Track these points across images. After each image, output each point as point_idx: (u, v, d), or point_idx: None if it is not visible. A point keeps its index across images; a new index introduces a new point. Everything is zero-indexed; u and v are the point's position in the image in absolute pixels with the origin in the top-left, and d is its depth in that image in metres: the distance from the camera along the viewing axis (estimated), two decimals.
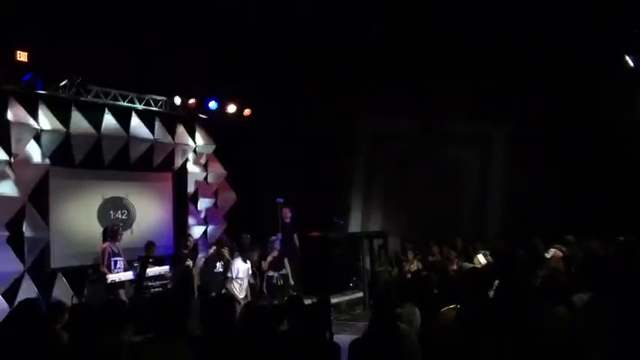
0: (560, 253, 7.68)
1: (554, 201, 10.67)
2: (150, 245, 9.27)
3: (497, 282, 5.31)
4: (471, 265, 7.98)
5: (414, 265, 10.48)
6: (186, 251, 9.39)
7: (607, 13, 9.46)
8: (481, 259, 8.75)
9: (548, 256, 7.74)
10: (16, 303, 6.73)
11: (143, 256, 9.01)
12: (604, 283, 3.49)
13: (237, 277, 8.91)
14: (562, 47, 10.41)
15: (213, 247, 9.99)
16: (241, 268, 9.00)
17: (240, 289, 8.92)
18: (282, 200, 10.60)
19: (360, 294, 10.44)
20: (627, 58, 9.45)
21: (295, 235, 10.48)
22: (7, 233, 8.36)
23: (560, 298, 3.91)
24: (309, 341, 3.66)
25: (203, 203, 11.82)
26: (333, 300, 9.67)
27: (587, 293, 3.71)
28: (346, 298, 10.49)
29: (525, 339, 3.50)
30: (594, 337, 3.31)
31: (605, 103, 10.20)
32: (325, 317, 3.97)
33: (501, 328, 3.53)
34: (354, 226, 12.90)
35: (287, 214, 10.56)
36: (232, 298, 7.46)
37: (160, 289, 8.93)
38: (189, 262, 9.29)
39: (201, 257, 10.23)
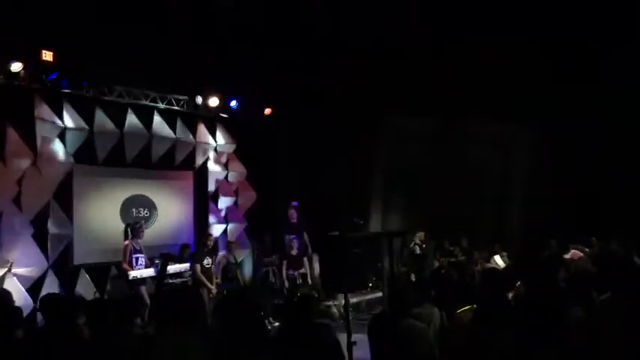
0: (580, 254, 7.58)
1: (576, 203, 10.54)
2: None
3: (518, 283, 5.26)
4: (490, 266, 7.93)
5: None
6: (206, 249, 9.47)
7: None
8: (498, 260, 8.68)
9: (568, 256, 7.65)
10: (39, 299, 6.88)
11: (165, 253, 9.11)
12: (622, 284, 3.44)
13: None
14: (587, 48, 10.28)
15: (232, 245, 10.07)
16: None
17: None
18: (296, 203, 10.64)
19: (380, 294, 10.42)
20: None
21: (305, 234, 10.48)
22: (31, 230, 8.51)
23: (583, 299, 3.85)
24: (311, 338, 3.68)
25: (223, 202, 11.89)
26: (353, 300, 9.69)
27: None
28: (366, 297, 10.49)
29: (546, 341, 3.46)
30: (610, 337, 3.26)
31: (630, 105, 10.05)
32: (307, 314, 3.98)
33: (523, 329, 3.49)
34: (374, 225, 12.87)
35: (293, 214, 10.60)
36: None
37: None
38: (209, 260, 9.36)
39: (221, 255, 10.33)
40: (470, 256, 10.25)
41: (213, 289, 9.18)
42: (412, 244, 10.26)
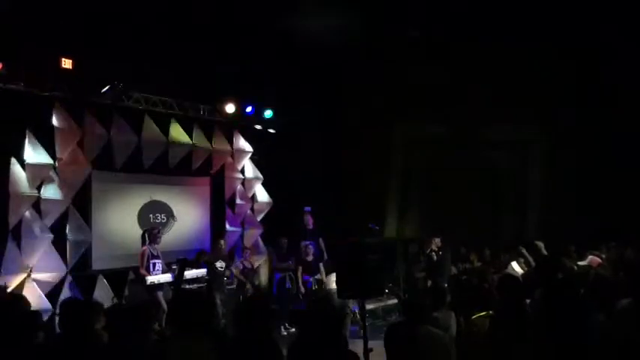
0: (599, 260, 7.48)
1: (594, 208, 10.42)
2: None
3: (538, 290, 5.18)
4: (507, 272, 7.84)
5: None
6: (219, 254, 9.55)
7: None
8: (515, 267, 8.56)
9: (585, 262, 7.55)
10: (58, 303, 6.95)
11: (181, 258, 9.16)
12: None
13: None
14: (602, 52, 10.18)
15: (247, 250, 10.08)
16: None
17: None
18: (309, 209, 10.66)
19: (396, 300, 10.36)
20: None
21: (321, 240, 10.48)
22: (51, 235, 8.61)
23: (604, 304, 3.80)
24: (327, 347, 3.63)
25: (240, 208, 11.93)
26: (369, 306, 9.64)
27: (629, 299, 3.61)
28: (382, 304, 10.43)
29: (566, 347, 3.42)
30: (630, 340, 3.21)
31: None
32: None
33: (542, 336, 3.45)
34: (390, 231, 12.81)
35: (309, 220, 10.61)
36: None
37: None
38: (222, 264, 9.41)
39: (237, 261, 10.35)
40: (489, 262, 10.16)
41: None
42: (429, 251, 10.21)
